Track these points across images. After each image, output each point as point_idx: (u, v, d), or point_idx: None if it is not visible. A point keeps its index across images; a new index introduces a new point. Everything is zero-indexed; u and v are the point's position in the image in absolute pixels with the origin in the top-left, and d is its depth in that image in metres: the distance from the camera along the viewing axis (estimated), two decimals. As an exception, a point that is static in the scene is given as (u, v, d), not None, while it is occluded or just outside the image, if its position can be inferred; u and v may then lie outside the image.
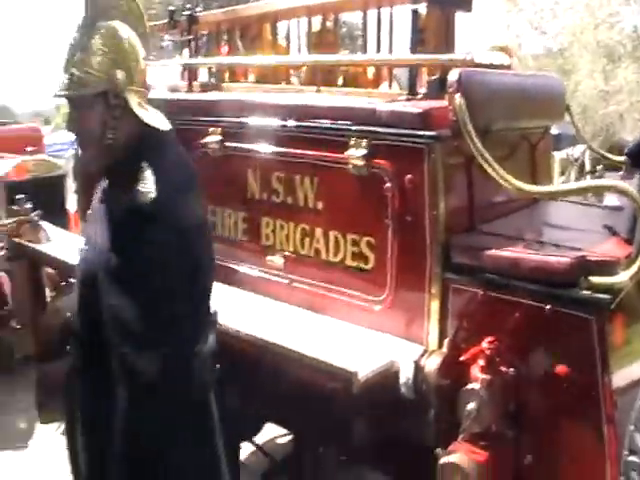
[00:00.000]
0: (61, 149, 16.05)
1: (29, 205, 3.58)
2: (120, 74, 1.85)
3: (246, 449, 3.20)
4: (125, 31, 1.90)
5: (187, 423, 1.80)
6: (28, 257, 3.51)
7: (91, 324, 1.85)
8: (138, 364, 1.73)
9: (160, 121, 1.93)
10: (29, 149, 5.83)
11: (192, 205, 1.86)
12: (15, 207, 3.57)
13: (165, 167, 1.82)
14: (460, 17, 2.85)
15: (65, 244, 3.44)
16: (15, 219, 3.51)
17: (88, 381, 1.96)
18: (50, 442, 4.71)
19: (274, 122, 2.56)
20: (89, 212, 2.03)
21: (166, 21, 3.72)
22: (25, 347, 3.64)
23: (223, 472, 2.03)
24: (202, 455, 1.92)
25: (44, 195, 4.28)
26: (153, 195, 1.74)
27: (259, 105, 2.69)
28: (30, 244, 3.44)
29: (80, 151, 1.99)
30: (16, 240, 3.50)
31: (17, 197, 3.57)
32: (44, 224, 3.59)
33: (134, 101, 1.86)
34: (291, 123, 2.51)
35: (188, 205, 1.83)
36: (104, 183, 1.94)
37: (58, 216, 4.72)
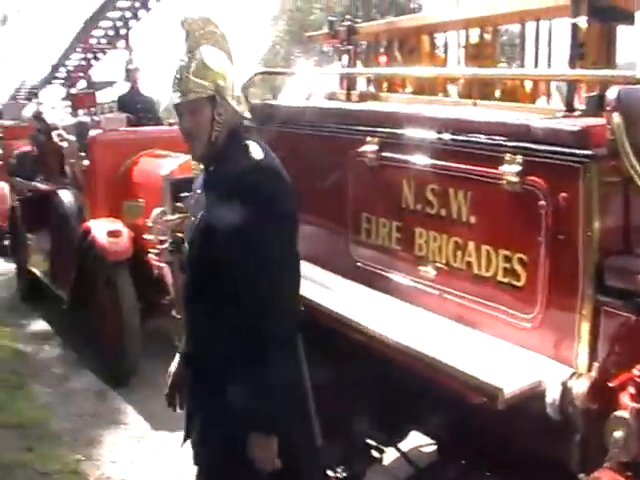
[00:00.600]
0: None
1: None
2: (222, 82, 2.44)
3: (390, 455, 3.27)
4: (218, 52, 2.53)
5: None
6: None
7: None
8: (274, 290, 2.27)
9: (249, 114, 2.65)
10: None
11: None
12: (180, 204, 3.77)
13: (260, 143, 2.44)
14: (622, 30, 2.78)
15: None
16: (179, 215, 3.72)
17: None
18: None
19: (430, 134, 2.60)
20: (191, 198, 2.65)
21: (326, 31, 3.85)
22: (182, 336, 3.85)
23: (311, 415, 2.47)
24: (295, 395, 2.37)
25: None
26: (263, 157, 2.37)
27: (416, 117, 2.74)
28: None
29: (192, 145, 2.45)
30: (179, 235, 3.71)
31: (181, 195, 3.77)
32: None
33: (233, 101, 2.47)
34: (447, 136, 2.54)
35: (282, 167, 2.45)
36: (203, 172, 2.54)
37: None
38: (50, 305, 7.66)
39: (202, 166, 2.58)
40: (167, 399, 2.82)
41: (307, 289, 2.80)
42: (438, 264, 2.59)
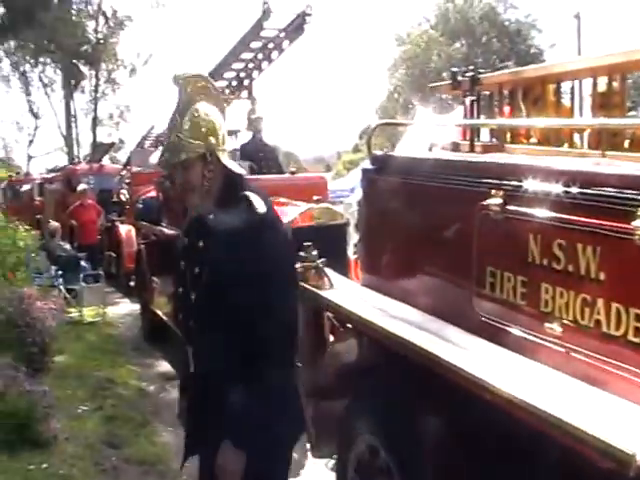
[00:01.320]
0: (341, 195, 16.88)
1: (315, 252, 3.85)
2: (213, 140, 2.62)
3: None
4: (211, 109, 2.68)
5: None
6: (312, 301, 3.77)
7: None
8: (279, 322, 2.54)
9: (238, 168, 2.77)
10: (315, 197, 6.26)
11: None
12: (303, 253, 3.84)
13: (260, 194, 2.61)
14: None
15: (346, 291, 3.66)
16: (303, 264, 3.79)
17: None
18: (320, 475, 4.98)
19: (557, 187, 2.56)
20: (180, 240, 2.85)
21: (448, 82, 3.88)
22: (305, 386, 3.90)
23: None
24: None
25: (327, 242, 4.55)
26: (266, 211, 2.57)
27: (543, 169, 2.71)
28: (315, 289, 3.70)
29: (188, 197, 2.67)
30: (302, 284, 3.78)
31: (305, 244, 3.84)
32: (328, 271, 3.84)
33: (223, 157, 2.65)
34: (574, 190, 2.49)
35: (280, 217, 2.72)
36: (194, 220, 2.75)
37: (339, 262, 5.03)
38: (172, 346, 7.92)
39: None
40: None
41: (429, 342, 2.80)
42: (565, 321, 2.52)
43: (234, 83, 9.15)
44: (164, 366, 8.06)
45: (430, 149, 3.84)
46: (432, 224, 3.22)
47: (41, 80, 36.28)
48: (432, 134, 6.18)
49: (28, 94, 37.47)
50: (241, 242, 2.53)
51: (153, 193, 9.20)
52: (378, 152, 3.71)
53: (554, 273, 2.55)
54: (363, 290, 3.66)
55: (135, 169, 12.59)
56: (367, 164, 3.82)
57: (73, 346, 8.43)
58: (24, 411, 5.26)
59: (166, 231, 8.27)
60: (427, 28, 42.38)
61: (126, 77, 36.31)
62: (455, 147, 3.65)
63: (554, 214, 2.55)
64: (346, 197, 17.42)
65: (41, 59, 33.20)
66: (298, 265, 3.83)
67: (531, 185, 2.66)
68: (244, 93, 9.04)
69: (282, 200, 6.84)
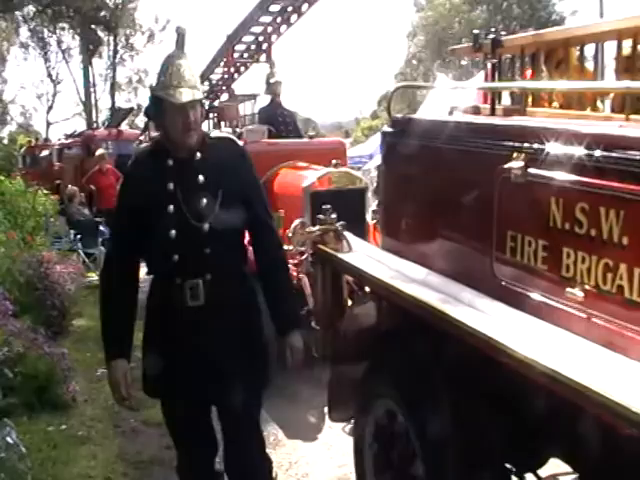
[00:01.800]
0: (359, 161, 16.80)
1: (334, 215, 3.83)
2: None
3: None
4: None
5: None
6: (331, 264, 3.77)
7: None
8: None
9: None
10: (334, 162, 6.22)
11: None
12: (321, 216, 3.83)
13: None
14: None
15: (365, 254, 3.65)
16: (321, 227, 3.78)
17: None
18: (337, 439, 5.02)
19: (580, 151, 2.52)
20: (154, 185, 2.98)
21: (469, 44, 3.81)
22: (323, 348, 3.92)
23: None
24: None
25: (345, 206, 4.54)
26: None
27: (565, 133, 2.66)
28: (333, 252, 3.69)
29: (191, 135, 2.97)
30: (321, 247, 3.77)
31: (324, 206, 3.82)
32: (347, 234, 3.83)
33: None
34: (597, 153, 2.45)
35: None
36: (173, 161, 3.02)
37: (358, 227, 5.02)
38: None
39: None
40: (126, 405, 3.20)
41: (448, 305, 2.79)
42: (587, 286, 2.49)
43: (252, 47, 9.07)
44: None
45: (451, 113, 3.79)
46: (452, 188, 3.19)
47: (59, 46, 36.30)
48: (452, 98, 6.13)
49: (47, 60, 37.56)
50: (242, 169, 3.15)
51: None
52: (398, 115, 3.67)
53: (576, 237, 2.52)
54: (382, 253, 3.64)
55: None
56: (387, 129, 3.78)
57: (92, 310, 8.45)
58: (43, 373, 5.32)
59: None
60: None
61: (144, 42, 36.27)
62: (476, 111, 3.61)
63: (577, 178, 2.51)
64: (364, 164, 17.35)
65: (59, 25, 33.11)
66: (317, 227, 3.83)
67: (553, 148, 2.62)
68: (262, 57, 8.95)
69: (301, 164, 6.83)
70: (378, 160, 18.24)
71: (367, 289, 3.74)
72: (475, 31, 3.84)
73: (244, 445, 3.19)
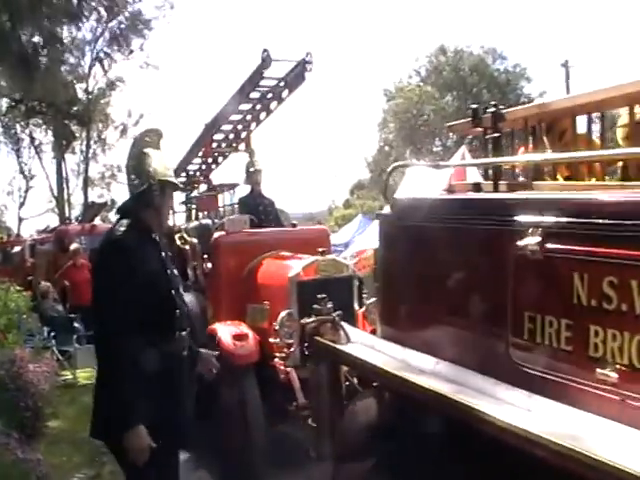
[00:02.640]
0: (335, 250, 16.64)
1: (330, 305, 3.61)
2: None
3: None
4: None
5: None
6: (328, 357, 3.51)
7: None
8: None
9: None
10: (320, 249, 6.01)
11: None
12: (316, 306, 3.60)
13: None
14: None
15: (365, 345, 3.40)
16: (317, 318, 3.54)
17: None
18: None
19: (605, 221, 2.33)
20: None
21: (467, 120, 3.66)
22: (320, 446, 3.61)
23: None
24: None
25: (333, 295, 4.29)
26: None
27: (587, 203, 2.49)
28: (331, 344, 3.45)
29: (165, 221, 3.74)
30: (318, 339, 3.52)
31: (319, 296, 3.60)
32: (344, 324, 3.60)
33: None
34: (626, 222, 2.26)
35: None
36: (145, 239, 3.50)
37: (347, 316, 4.77)
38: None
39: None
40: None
41: (466, 396, 2.54)
42: (620, 366, 2.27)
43: (231, 136, 8.97)
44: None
45: (452, 191, 3.61)
46: (460, 269, 2.99)
47: (32, 142, 36.38)
48: (428, 179, 6.00)
49: (19, 156, 37.58)
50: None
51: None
52: (397, 196, 3.50)
53: (605, 314, 2.31)
54: (383, 343, 3.40)
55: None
56: (384, 211, 3.60)
57: (67, 410, 8.10)
58: (17, 481, 4.94)
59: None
60: (418, 81, 42.84)
61: (117, 137, 36.44)
62: (476, 188, 3.43)
63: (603, 250, 2.31)
64: (340, 252, 17.19)
65: (32, 121, 33.24)
66: (311, 319, 3.60)
67: (574, 220, 2.43)
68: (241, 146, 8.83)
69: (284, 253, 6.61)
70: (354, 248, 18.02)
71: (371, 382, 3.47)
72: (473, 105, 3.69)
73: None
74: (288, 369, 5.50)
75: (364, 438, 3.31)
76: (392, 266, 3.56)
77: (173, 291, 3.49)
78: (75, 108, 28.74)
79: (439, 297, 3.16)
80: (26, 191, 39.49)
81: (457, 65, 41.15)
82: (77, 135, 33.56)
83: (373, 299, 6.08)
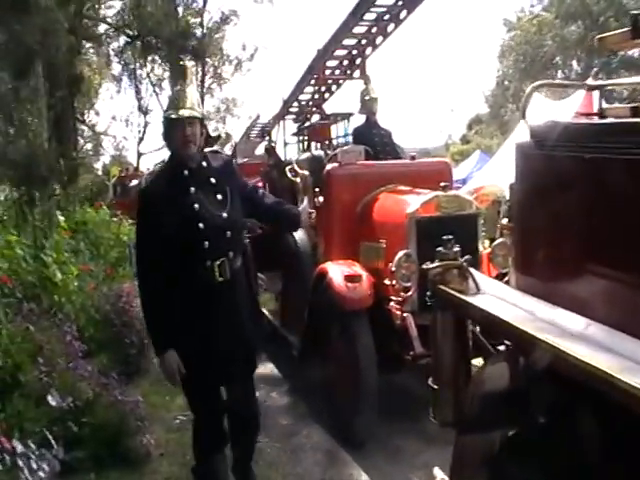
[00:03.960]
0: (455, 186, 15.96)
1: (457, 248, 3.07)
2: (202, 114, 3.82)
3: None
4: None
5: None
6: (454, 309, 2.99)
7: None
8: None
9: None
10: (442, 184, 5.44)
11: None
12: (442, 249, 3.07)
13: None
14: None
15: (498, 297, 2.87)
16: (442, 263, 3.02)
17: None
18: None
19: None
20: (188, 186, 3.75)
21: (626, 29, 2.97)
22: (443, 411, 3.13)
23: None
24: None
25: (456, 235, 3.75)
26: None
27: None
28: (458, 294, 2.92)
29: (190, 147, 3.72)
30: (442, 288, 3.00)
31: (445, 237, 3.06)
32: (473, 271, 3.07)
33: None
34: None
35: None
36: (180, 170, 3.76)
37: (471, 258, 4.24)
38: (279, 348, 7.32)
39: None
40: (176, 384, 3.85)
41: (613, 364, 2.00)
42: None
43: (345, 62, 8.40)
44: (269, 369, 7.44)
45: (603, 116, 2.96)
46: (622, 208, 2.41)
47: (149, 78, 36.77)
48: (552, 111, 5.29)
49: (138, 93, 38.09)
50: (237, 173, 4.13)
51: (260, 184, 8.61)
52: (540, 120, 2.90)
53: None
54: (520, 296, 2.86)
55: (241, 160, 12.11)
56: (523, 140, 3.02)
57: (176, 345, 7.94)
58: (114, 424, 4.74)
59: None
60: (539, 11, 40.63)
61: (232, 71, 36.33)
62: (636, 112, 2.77)
63: None
64: (458, 189, 16.53)
65: (149, 57, 33.45)
66: (435, 264, 3.07)
67: None
68: (356, 73, 8.26)
69: (402, 188, 6.08)
70: (472, 185, 17.33)
71: (504, 343, 2.94)
72: (634, 11, 2.96)
73: (249, 396, 4.13)
74: (405, 314, 5.03)
75: (496, 409, 2.81)
76: (532, 203, 2.98)
77: (201, 224, 3.65)
78: (190, 43, 28.65)
79: (592, 241, 2.59)
80: (145, 126, 40.11)
81: (583, -9, 38.59)
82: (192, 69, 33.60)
83: (500, 239, 5.55)
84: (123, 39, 29.17)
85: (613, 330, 2.32)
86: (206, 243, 3.67)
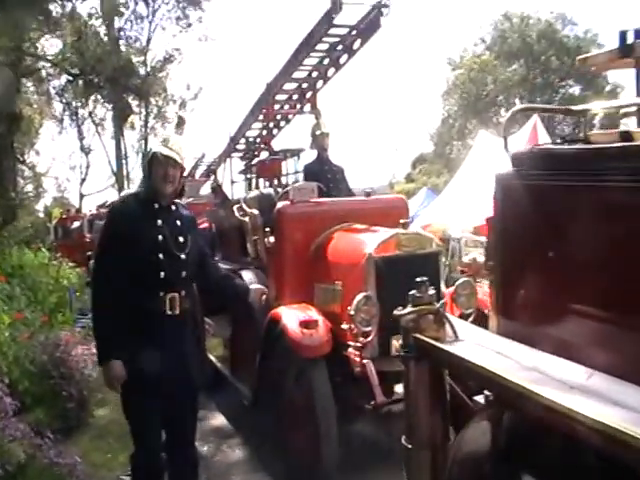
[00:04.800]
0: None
1: (432, 291, 2.77)
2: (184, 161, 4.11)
3: None
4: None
5: None
6: (430, 359, 2.67)
7: None
8: None
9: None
10: (402, 221, 5.16)
11: None
12: (415, 292, 2.75)
13: None
14: None
15: (480, 345, 2.57)
16: (417, 308, 2.71)
17: None
18: None
19: None
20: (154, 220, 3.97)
21: (613, 48, 2.75)
22: (417, 476, 2.79)
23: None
24: None
25: (418, 274, 3.44)
26: None
27: None
28: (434, 342, 2.61)
29: (168, 188, 3.98)
30: (417, 336, 2.69)
31: (418, 280, 2.75)
32: (449, 316, 2.77)
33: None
34: None
35: None
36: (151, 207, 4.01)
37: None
38: (229, 398, 6.92)
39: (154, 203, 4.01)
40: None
41: (613, 416, 1.71)
42: None
43: (295, 96, 8.13)
44: (219, 421, 7.02)
45: (587, 141, 2.70)
46: (617, 242, 2.16)
47: (92, 118, 36.27)
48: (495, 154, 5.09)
49: (80, 133, 37.56)
50: (199, 232, 4.52)
51: (205, 225, 8.26)
52: (522, 148, 2.64)
53: None
54: (502, 342, 2.58)
55: (186, 200, 11.72)
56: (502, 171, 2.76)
57: (116, 397, 7.47)
58: (48, 489, 4.31)
59: (221, 266, 7.27)
60: (482, 50, 41.44)
61: (175, 111, 35.94)
62: (626, 137, 2.53)
63: None
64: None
65: (91, 97, 32.99)
66: (408, 309, 2.75)
67: None
68: (307, 107, 8.00)
69: (359, 226, 5.79)
70: (420, 222, 17.22)
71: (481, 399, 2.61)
72: (622, 29, 2.74)
73: (187, 438, 4.19)
74: (364, 361, 4.70)
75: (480, 471, 2.48)
76: (515, 239, 2.71)
77: (161, 255, 3.87)
78: (133, 81, 28.29)
79: (584, 280, 2.32)
80: (87, 167, 39.55)
81: (524, 32, 39.46)
82: (135, 110, 33.23)
83: (463, 279, 5.29)
84: (65, 77, 28.62)
85: (613, 378, 2.05)
86: (162, 274, 3.86)
